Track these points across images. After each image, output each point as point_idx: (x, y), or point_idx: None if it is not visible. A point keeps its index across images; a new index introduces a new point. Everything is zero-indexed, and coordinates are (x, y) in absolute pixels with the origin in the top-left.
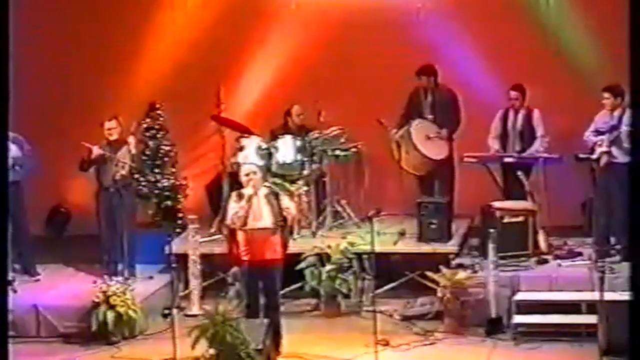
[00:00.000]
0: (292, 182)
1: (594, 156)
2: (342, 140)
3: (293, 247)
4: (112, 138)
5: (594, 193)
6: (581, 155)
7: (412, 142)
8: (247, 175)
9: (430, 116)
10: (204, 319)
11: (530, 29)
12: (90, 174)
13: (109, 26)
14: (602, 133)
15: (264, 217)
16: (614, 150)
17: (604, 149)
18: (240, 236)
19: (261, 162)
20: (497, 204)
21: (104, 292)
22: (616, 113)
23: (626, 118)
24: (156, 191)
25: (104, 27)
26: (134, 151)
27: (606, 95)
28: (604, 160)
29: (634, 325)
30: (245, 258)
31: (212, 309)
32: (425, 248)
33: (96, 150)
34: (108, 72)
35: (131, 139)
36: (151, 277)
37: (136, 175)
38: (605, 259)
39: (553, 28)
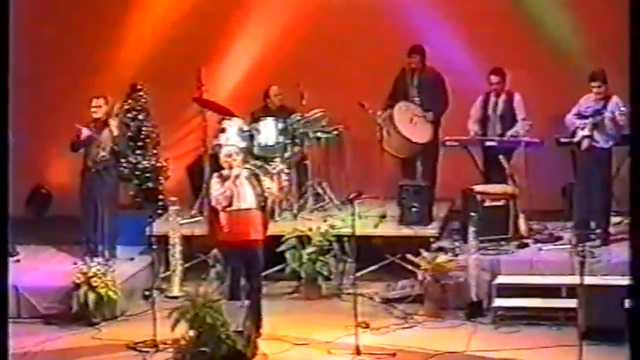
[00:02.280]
0: (271, 162)
1: (575, 139)
2: (324, 122)
3: (274, 230)
4: (96, 116)
5: (574, 177)
6: (562, 140)
7: (394, 125)
8: (228, 156)
9: (416, 98)
10: (185, 300)
11: (513, 12)
12: (74, 155)
13: (91, 6)
14: (584, 117)
15: (248, 198)
16: (596, 135)
17: (586, 132)
18: (223, 217)
19: (243, 144)
20: (478, 188)
21: (85, 273)
22: (602, 99)
23: (611, 104)
24: (137, 172)
25: (86, 6)
26: (115, 132)
27: (595, 84)
28: (585, 144)
29: (634, 310)
30: (228, 239)
31: (192, 290)
32: (406, 231)
33: (85, 132)
34: (90, 53)
35: (112, 121)
36: (132, 259)
37: (118, 158)
38: (586, 243)
39: (535, 10)
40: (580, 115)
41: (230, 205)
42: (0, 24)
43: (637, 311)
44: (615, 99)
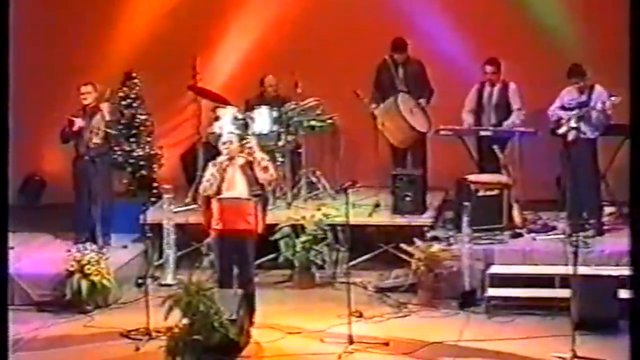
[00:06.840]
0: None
1: (561, 131)
2: (318, 111)
3: (268, 218)
4: (86, 102)
5: (564, 167)
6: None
7: (401, 115)
8: (223, 144)
9: (405, 89)
10: (178, 288)
11: (506, 1)
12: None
13: None
14: (569, 109)
15: (238, 187)
16: (583, 126)
17: (573, 124)
18: (214, 205)
19: (237, 132)
20: (471, 177)
21: (78, 260)
22: (585, 91)
23: (595, 94)
24: (131, 160)
25: None
26: (108, 117)
27: (574, 80)
28: (572, 136)
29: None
30: (217, 227)
31: (186, 278)
32: (400, 220)
33: (79, 122)
34: (85, 41)
35: (104, 106)
36: (125, 246)
37: (112, 144)
38: (579, 233)
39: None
40: (564, 108)
41: (218, 193)
42: (1, 15)
43: (638, 302)
44: (598, 88)
